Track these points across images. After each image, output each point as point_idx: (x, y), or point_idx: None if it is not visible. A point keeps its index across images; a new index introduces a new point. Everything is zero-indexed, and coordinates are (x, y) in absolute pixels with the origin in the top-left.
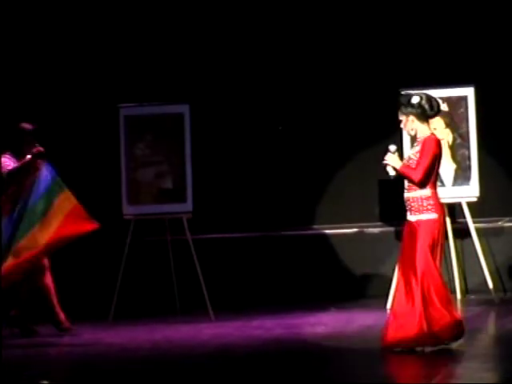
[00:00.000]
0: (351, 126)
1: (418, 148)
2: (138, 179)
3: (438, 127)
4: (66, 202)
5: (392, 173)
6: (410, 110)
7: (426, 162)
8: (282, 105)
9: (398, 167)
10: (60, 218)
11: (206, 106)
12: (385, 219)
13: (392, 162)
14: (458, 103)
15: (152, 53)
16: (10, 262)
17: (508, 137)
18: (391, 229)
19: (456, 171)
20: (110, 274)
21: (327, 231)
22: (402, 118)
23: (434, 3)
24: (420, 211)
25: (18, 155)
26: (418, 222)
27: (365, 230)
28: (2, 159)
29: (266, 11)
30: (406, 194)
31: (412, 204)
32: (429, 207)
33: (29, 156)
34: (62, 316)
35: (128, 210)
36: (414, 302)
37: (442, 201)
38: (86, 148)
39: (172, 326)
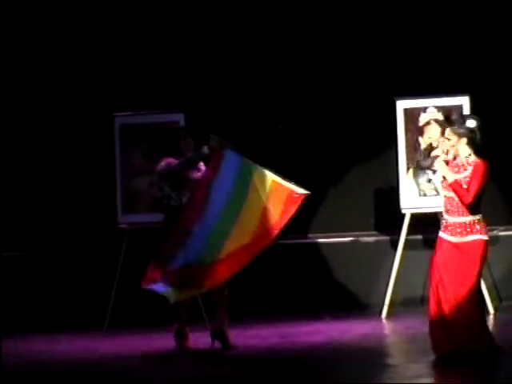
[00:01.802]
0: (347, 135)
1: (466, 173)
2: (133, 188)
3: (434, 136)
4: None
5: (434, 178)
6: (463, 131)
7: (478, 186)
8: (277, 113)
9: (449, 179)
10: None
11: (201, 114)
12: (380, 228)
13: (444, 170)
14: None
15: (147, 61)
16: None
17: (501, 146)
18: (387, 238)
19: None
20: (105, 283)
21: (323, 240)
22: (452, 137)
23: (429, 12)
24: (470, 232)
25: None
26: (472, 243)
27: (360, 239)
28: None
29: (260, 20)
30: (458, 219)
31: (460, 227)
32: (480, 228)
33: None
34: None
35: (123, 219)
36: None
37: (437, 209)
38: (81, 157)
39: (167, 334)
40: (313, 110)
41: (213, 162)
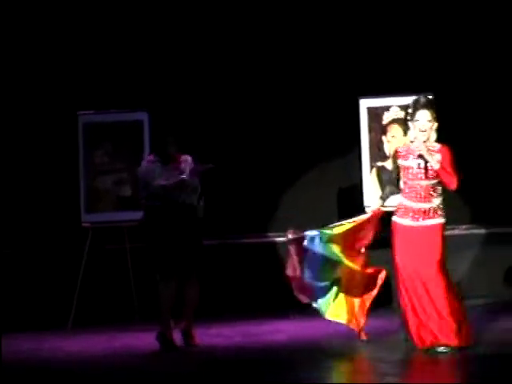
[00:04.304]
0: (310, 133)
1: (438, 156)
2: (96, 187)
3: (397, 135)
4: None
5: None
6: (435, 115)
7: (455, 169)
8: (240, 111)
9: (436, 166)
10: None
11: (165, 113)
12: None
13: (429, 157)
14: None
15: (111, 60)
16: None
17: (463, 143)
18: None
19: None
20: (68, 282)
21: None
22: (432, 122)
23: (392, 11)
24: (432, 217)
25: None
26: (432, 226)
27: None
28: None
29: (224, 18)
30: (424, 205)
31: (425, 212)
32: (441, 213)
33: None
34: None
35: (86, 218)
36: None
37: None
38: (44, 155)
39: (131, 333)
40: (276, 108)
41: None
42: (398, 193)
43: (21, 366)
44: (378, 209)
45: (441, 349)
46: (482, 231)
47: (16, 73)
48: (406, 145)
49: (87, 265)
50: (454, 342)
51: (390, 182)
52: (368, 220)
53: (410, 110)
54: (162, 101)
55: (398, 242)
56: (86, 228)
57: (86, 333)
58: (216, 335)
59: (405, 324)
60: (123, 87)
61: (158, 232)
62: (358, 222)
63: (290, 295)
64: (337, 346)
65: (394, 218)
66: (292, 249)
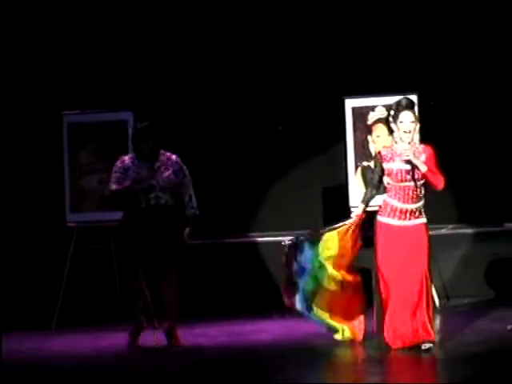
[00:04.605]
0: (295, 132)
1: (423, 157)
2: (81, 187)
3: (382, 135)
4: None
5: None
6: (418, 116)
7: (439, 170)
8: (225, 110)
9: (423, 169)
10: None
11: (149, 112)
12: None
13: (415, 160)
14: None
15: (96, 59)
16: None
17: (449, 143)
18: None
19: None
20: (53, 282)
21: (271, 239)
22: (415, 122)
23: (376, 11)
24: (418, 217)
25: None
26: (418, 226)
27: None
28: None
29: (205, 16)
30: (411, 206)
31: (411, 212)
32: (423, 213)
33: None
34: None
35: (71, 218)
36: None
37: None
38: (28, 155)
39: (116, 333)
40: (261, 108)
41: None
42: (378, 195)
43: (5, 365)
44: (362, 213)
45: (425, 345)
46: (469, 231)
47: (1, 73)
48: (388, 147)
49: (72, 264)
50: (433, 337)
51: (373, 182)
52: (354, 225)
53: (392, 112)
54: (146, 100)
55: (382, 241)
56: (70, 228)
57: (70, 333)
58: (201, 335)
59: (381, 324)
60: (108, 87)
61: (129, 232)
62: (343, 229)
63: (273, 295)
64: (319, 345)
65: (379, 218)
66: (287, 257)
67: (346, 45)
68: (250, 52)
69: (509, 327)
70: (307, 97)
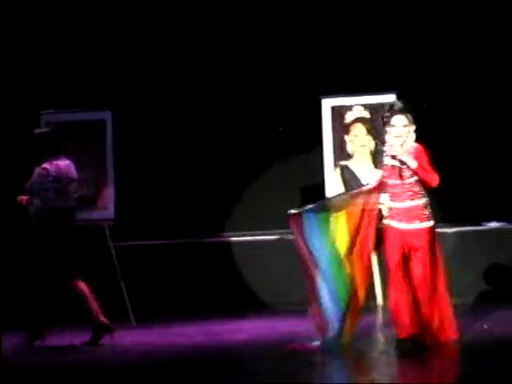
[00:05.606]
0: (271, 132)
1: (410, 158)
2: None
3: (360, 134)
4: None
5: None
6: (411, 119)
7: (432, 166)
8: (201, 110)
9: (413, 166)
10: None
11: (128, 112)
12: None
13: (406, 158)
14: (379, 110)
15: (74, 59)
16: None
17: (433, 143)
18: None
19: None
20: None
21: (249, 238)
22: (408, 126)
23: (355, 10)
24: (419, 219)
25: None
26: (422, 230)
27: (285, 237)
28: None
29: (184, 16)
30: (405, 204)
31: (411, 213)
32: (428, 214)
33: None
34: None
35: None
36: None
37: None
38: (5, 155)
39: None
40: (238, 108)
41: (295, 232)
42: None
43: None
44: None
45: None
46: (453, 230)
47: None
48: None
49: None
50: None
51: (353, 180)
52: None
53: (386, 114)
54: (125, 100)
55: (387, 243)
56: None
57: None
58: (179, 334)
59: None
60: (86, 86)
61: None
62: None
63: (248, 295)
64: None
65: (385, 221)
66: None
67: (323, 44)
68: (228, 52)
69: (485, 326)
70: (285, 96)
